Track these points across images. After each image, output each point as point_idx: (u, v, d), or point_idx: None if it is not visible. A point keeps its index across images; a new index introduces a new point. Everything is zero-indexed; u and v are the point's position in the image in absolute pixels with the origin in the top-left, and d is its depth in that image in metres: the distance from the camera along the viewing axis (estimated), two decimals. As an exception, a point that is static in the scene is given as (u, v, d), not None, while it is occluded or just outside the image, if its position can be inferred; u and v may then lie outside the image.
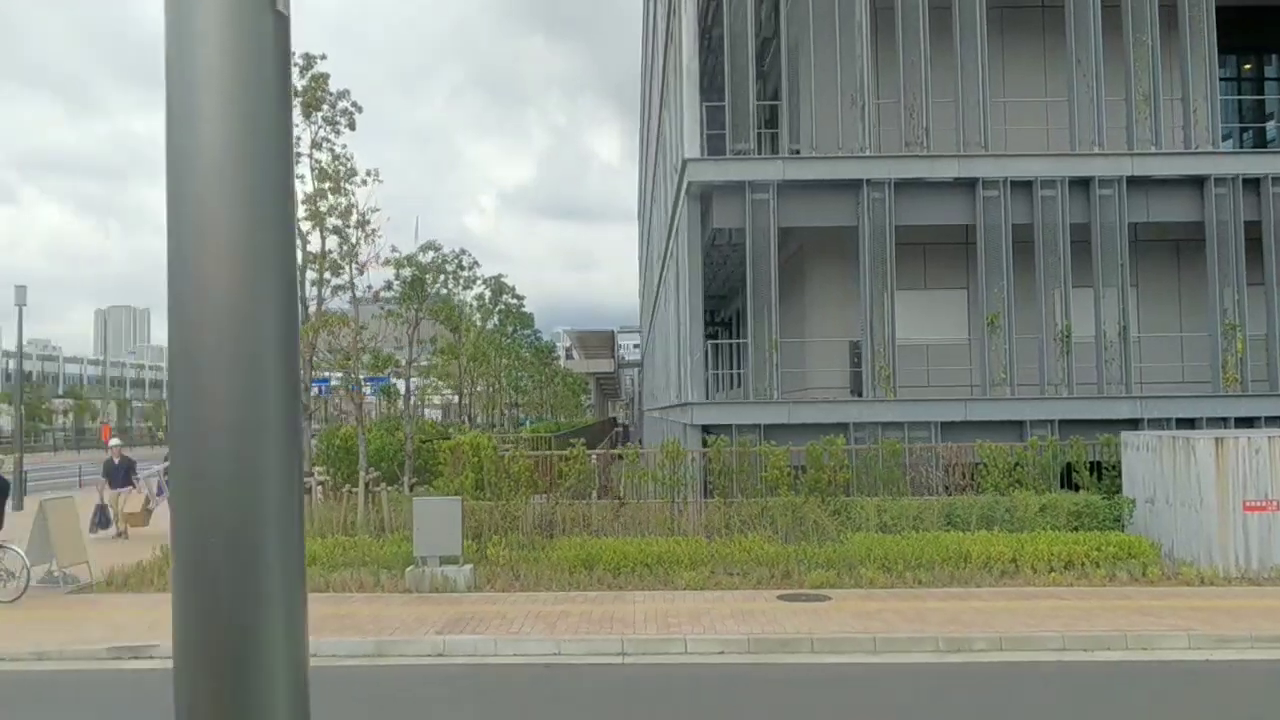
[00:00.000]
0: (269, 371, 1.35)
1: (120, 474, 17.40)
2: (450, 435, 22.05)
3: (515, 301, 33.90)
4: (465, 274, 27.39)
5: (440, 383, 29.87)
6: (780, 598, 10.93)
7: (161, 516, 17.23)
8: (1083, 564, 11.86)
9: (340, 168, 14.78)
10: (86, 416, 78.88)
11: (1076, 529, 13.23)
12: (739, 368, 24.30)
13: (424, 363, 17.13)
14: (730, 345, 27.13)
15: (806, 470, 14.85)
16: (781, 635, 9.21)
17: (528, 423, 37.26)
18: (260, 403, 1.35)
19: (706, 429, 17.51)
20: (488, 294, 30.81)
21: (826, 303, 19.46)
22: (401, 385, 19.22)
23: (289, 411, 1.41)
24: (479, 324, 29.85)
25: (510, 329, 34.00)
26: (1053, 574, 11.60)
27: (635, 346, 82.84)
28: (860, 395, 17.93)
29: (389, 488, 14.79)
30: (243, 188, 1.35)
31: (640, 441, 60.36)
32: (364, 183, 15.32)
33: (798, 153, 18.04)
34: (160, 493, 18.43)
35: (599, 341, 79.86)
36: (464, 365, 22.81)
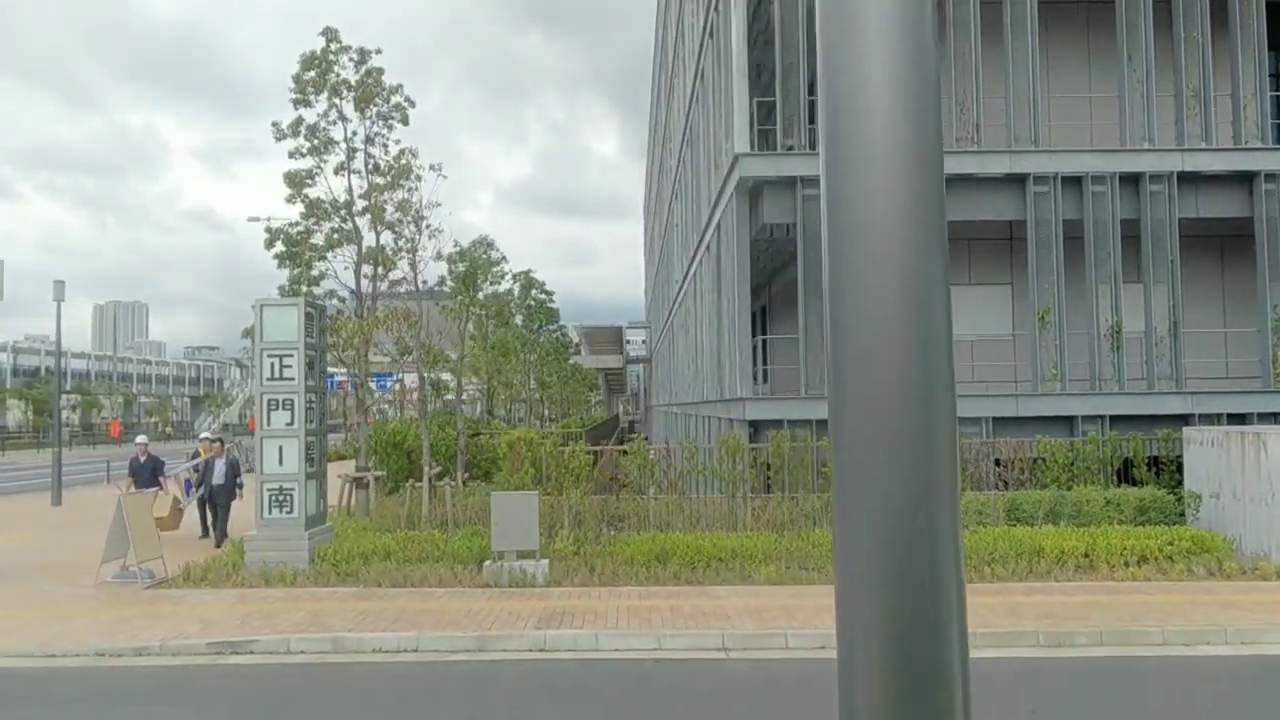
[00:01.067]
0: (937, 358, 1.34)
1: (146, 473, 16.06)
2: (480, 432, 22.05)
3: (543, 296, 33.89)
4: (494, 269, 27.38)
5: (473, 378, 29.81)
6: (864, 592, 10.93)
7: (192, 521, 16.05)
8: (1156, 559, 11.89)
9: (405, 162, 14.73)
10: (94, 412, 78.72)
11: (1142, 524, 13.27)
12: (766, 364, 24.30)
13: (456, 358, 16.98)
14: (759, 342, 27.03)
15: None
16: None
17: (554, 419, 37.26)
18: (931, 381, 1.34)
19: (754, 424, 17.54)
20: (516, 289, 30.78)
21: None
22: (441, 380, 19.15)
23: (951, 389, 1.40)
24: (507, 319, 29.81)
25: (537, 324, 34.00)
26: (1129, 569, 11.63)
27: (641, 342, 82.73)
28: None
29: (451, 483, 14.77)
30: (904, 185, 1.34)
31: (647, 438, 60.52)
32: (418, 178, 15.26)
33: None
34: (188, 493, 16.86)
35: (606, 337, 79.74)
36: (494, 360, 22.74)
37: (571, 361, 40.11)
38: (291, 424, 12.44)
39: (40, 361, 77.27)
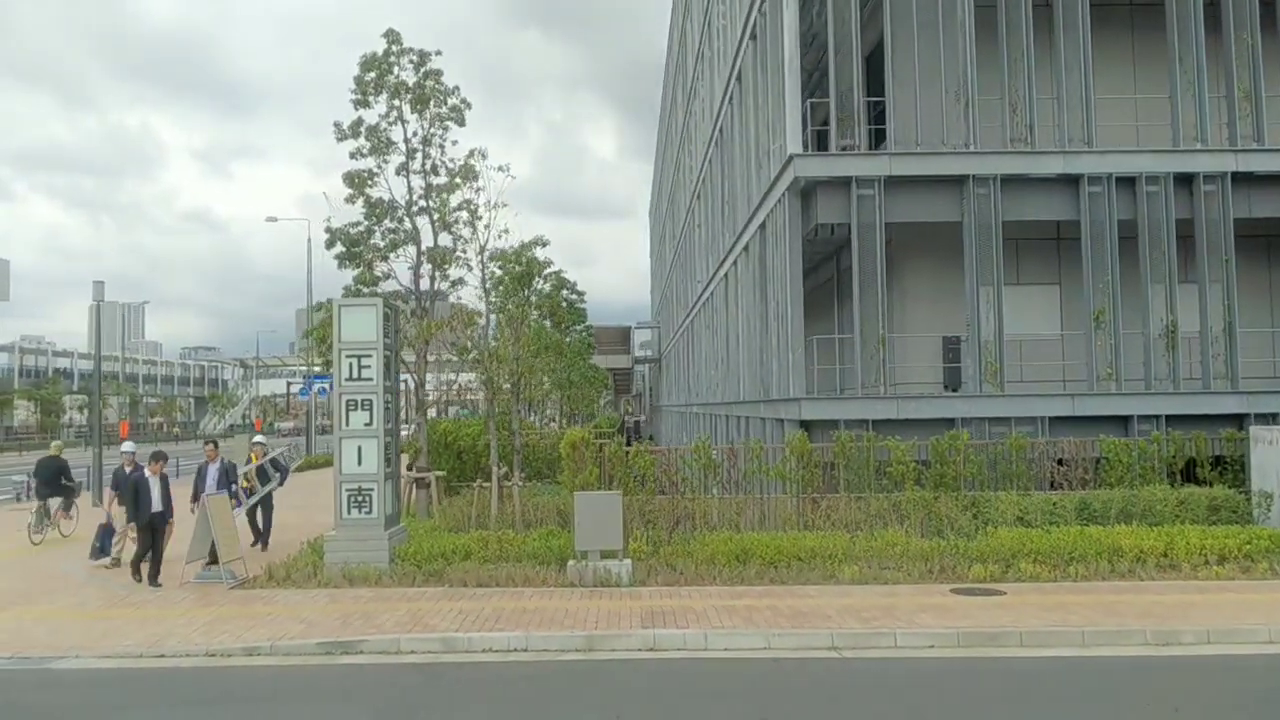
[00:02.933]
0: None
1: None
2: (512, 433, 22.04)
3: (574, 296, 33.88)
4: (546, 269, 27.35)
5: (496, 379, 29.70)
6: (954, 591, 10.97)
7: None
8: (1236, 558, 11.93)
9: (472, 164, 14.75)
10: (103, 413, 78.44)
11: (1214, 523, 13.31)
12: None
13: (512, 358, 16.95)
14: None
15: (930, 465, 14.91)
16: (988, 629, 9.24)
17: (579, 420, 37.22)
18: None
19: (804, 424, 17.57)
20: (547, 288, 30.78)
21: (917, 298, 19.47)
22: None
23: None
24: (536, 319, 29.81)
25: (565, 325, 33.99)
26: (1211, 568, 11.67)
27: (643, 344, 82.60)
28: (955, 390, 17.99)
29: (519, 483, 14.76)
30: None
31: (651, 438, 60.43)
32: (475, 178, 15.27)
33: (860, 146, 17.98)
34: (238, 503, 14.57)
35: (614, 338, 79.73)
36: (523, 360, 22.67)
37: (591, 361, 40.09)
38: (370, 424, 12.42)
39: (47, 362, 77.12)
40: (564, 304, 32.64)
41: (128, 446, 14.36)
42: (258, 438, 18.08)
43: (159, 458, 12.74)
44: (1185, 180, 17.39)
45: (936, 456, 14.89)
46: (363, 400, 12.44)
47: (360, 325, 12.50)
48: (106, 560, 13.64)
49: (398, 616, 9.99)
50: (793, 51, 18.19)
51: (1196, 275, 17.30)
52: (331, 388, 45.55)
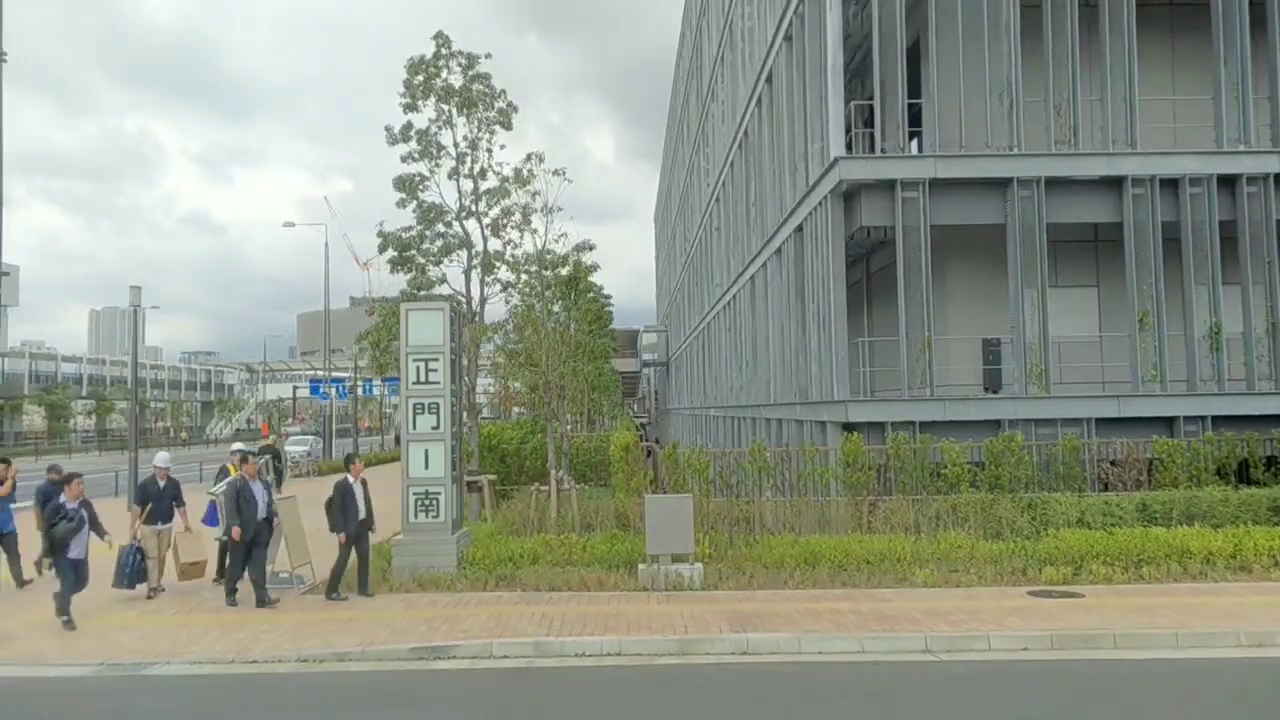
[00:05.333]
0: None
1: (167, 502, 12.12)
2: (532, 437, 22.02)
3: (601, 300, 33.82)
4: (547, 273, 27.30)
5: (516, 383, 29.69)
6: (1031, 594, 10.97)
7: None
8: (1307, 558, 11.94)
9: (529, 169, 14.76)
10: (108, 417, 78.31)
11: (1276, 524, 13.31)
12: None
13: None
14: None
15: (984, 467, 14.92)
16: (1080, 631, 9.24)
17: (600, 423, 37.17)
18: None
19: (848, 427, 17.58)
20: (590, 294, 30.74)
21: (955, 300, 19.49)
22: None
23: None
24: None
25: (602, 330, 33.94)
26: (1283, 569, 11.68)
27: (649, 346, 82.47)
28: (995, 392, 18.00)
29: (580, 486, 14.74)
30: None
31: (658, 441, 60.29)
32: (530, 182, 15.28)
33: (904, 148, 18.02)
34: (212, 519, 12.70)
35: (620, 341, 79.70)
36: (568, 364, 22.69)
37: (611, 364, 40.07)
38: (437, 428, 12.40)
39: (55, 367, 76.89)
40: (606, 310, 32.56)
41: (163, 458, 12.78)
42: (236, 445, 15.49)
43: (251, 456, 11.89)
44: (1228, 182, 17.43)
45: (991, 458, 14.91)
46: (429, 404, 12.42)
47: (427, 329, 12.49)
48: (143, 589, 11.67)
49: (482, 621, 9.96)
50: (835, 53, 18.20)
51: (1240, 276, 17.33)
52: (338, 391, 45.34)
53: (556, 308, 17.21)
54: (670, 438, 59.47)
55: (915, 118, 18.88)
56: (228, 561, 11.59)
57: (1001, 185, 17.37)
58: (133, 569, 11.38)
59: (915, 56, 19.31)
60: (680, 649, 9.06)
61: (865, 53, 20.37)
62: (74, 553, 10.21)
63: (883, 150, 17.67)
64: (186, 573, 12.03)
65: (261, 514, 11.12)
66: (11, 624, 10.08)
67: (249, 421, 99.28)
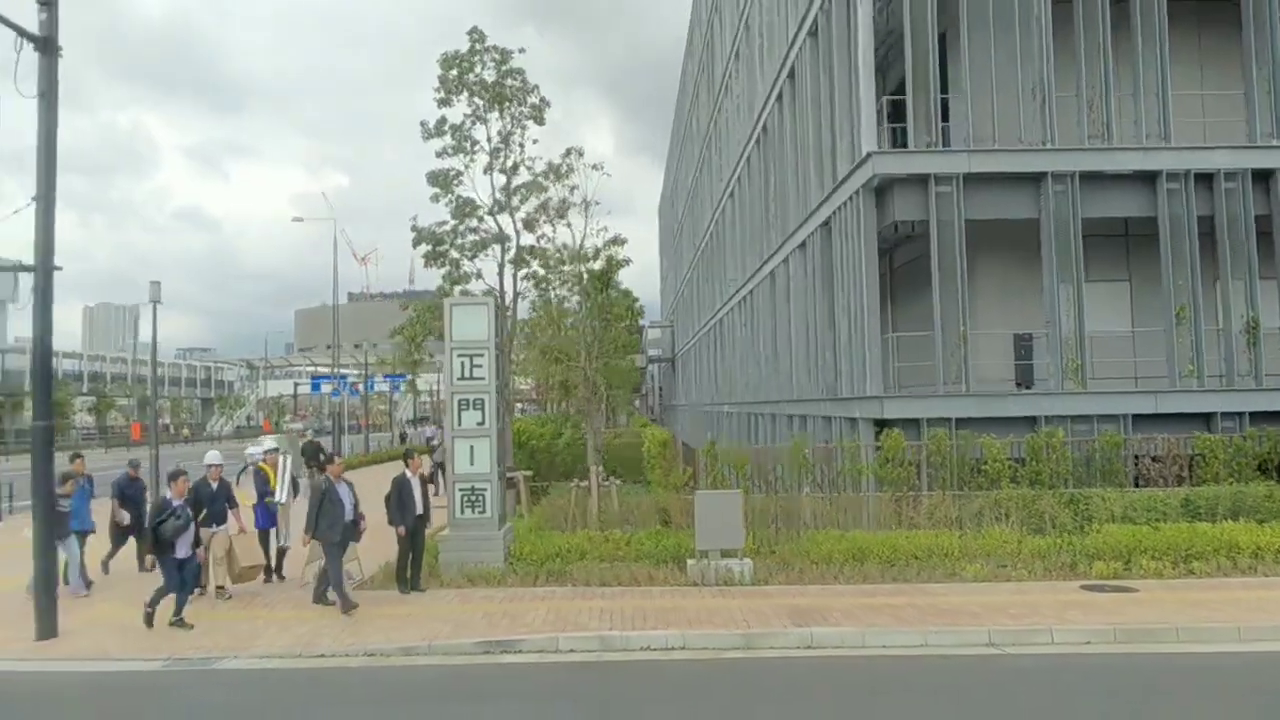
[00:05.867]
0: None
1: (221, 503, 11.54)
2: (563, 433, 21.99)
3: (632, 295, 33.76)
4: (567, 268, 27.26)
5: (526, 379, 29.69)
6: (1084, 588, 10.97)
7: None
8: (1357, 552, 11.93)
9: (569, 164, 14.73)
10: (109, 414, 78.12)
11: (1322, 519, 13.30)
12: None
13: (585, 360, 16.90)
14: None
15: (1025, 462, 14.91)
16: (1143, 625, 9.23)
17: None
18: None
19: (879, 423, 17.56)
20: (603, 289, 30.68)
21: (985, 295, 19.45)
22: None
23: None
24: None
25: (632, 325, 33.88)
26: (1336, 563, 11.67)
27: (653, 342, 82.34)
28: (1027, 388, 17.98)
29: (618, 482, 14.72)
30: None
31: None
32: (568, 176, 15.23)
33: (936, 143, 17.92)
34: (263, 520, 12.35)
35: (627, 337, 79.48)
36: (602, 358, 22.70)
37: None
38: (483, 424, 12.37)
39: (56, 364, 76.51)
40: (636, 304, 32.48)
41: (214, 456, 12.06)
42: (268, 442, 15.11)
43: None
44: (1263, 176, 17.41)
45: (1031, 454, 14.90)
46: (475, 400, 12.39)
47: (472, 324, 12.45)
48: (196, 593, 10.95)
49: (541, 616, 9.94)
50: (866, 49, 18.14)
51: (1275, 271, 17.31)
52: (343, 389, 45.25)
53: (576, 301, 17.14)
54: (677, 434, 59.44)
55: (943, 112, 18.85)
56: (307, 560, 11.67)
57: (1035, 180, 17.35)
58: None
59: (944, 51, 19.27)
60: (745, 643, 9.04)
61: (889, 47, 20.33)
62: (181, 552, 9.92)
63: (927, 144, 17.60)
64: (243, 576, 11.63)
65: (349, 515, 10.79)
66: (70, 621, 10.04)
67: (249, 419, 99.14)
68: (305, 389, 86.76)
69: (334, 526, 10.53)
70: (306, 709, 7.60)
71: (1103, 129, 17.42)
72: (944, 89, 18.45)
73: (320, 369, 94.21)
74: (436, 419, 71.90)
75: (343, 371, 77.55)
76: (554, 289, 15.92)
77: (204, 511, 11.07)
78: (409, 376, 64.23)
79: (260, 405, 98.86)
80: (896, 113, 19.18)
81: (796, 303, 24.33)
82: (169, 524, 9.69)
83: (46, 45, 9.70)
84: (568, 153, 15.47)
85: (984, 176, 17.25)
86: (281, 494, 12.43)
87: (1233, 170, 17.28)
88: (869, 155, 17.43)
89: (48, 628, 9.57)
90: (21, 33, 9.47)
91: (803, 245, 23.66)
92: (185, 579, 9.97)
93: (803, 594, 10.90)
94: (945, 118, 18.84)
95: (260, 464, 12.70)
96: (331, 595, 10.65)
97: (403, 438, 58.29)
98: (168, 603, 9.94)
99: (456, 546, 12.18)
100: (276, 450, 12.14)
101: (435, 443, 18.49)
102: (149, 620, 9.86)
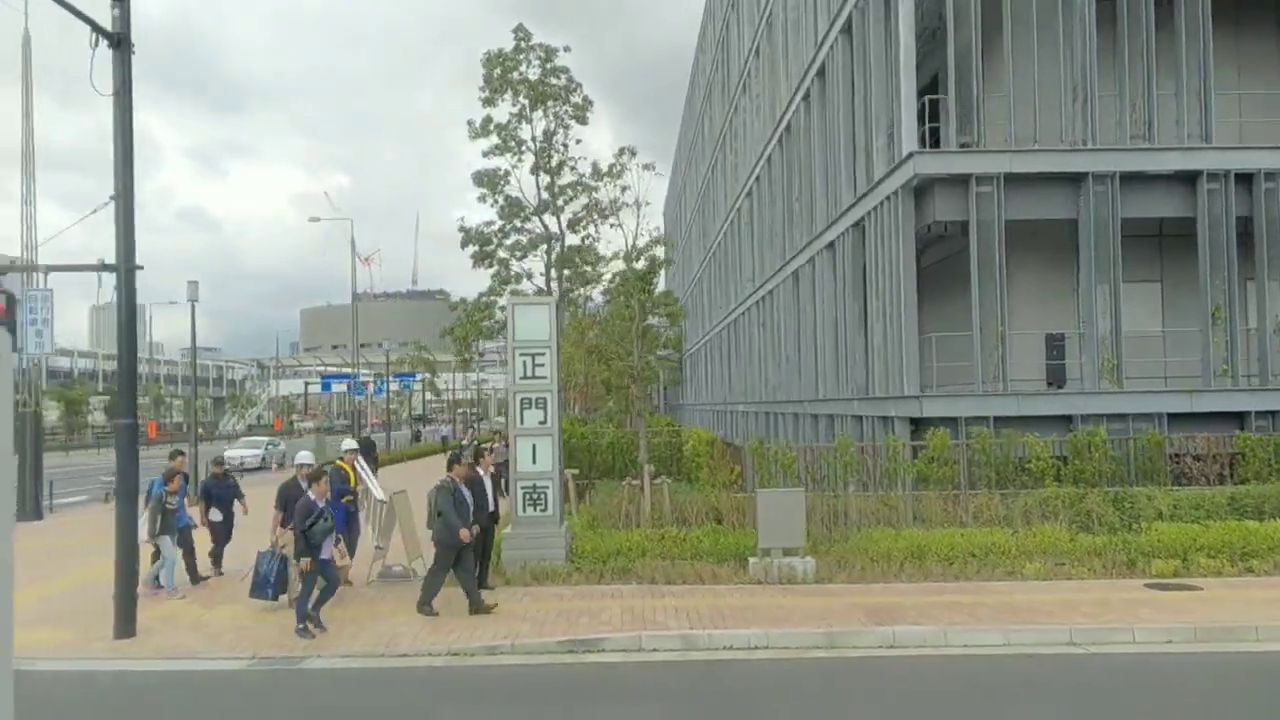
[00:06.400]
0: None
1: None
2: (603, 432, 22.04)
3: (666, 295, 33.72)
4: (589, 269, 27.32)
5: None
6: (1148, 586, 11.05)
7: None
8: None
9: (621, 164, 14.79)
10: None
11: (1369, 517, 13.40)
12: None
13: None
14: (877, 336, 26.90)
15: (1067, 461, 15.00)
16: (1219, 624, 9.31)
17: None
18: None
19: (915, 421, 17.66)
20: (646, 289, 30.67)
21: (1018, 294, 19.50)
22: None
23: None
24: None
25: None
26: (1393, 561, 11.77)
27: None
28: (1060, 387, 18.06)
29: (670, 480, 14.79)
30: None
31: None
32: (619, 175, 15.30)
33: (977, 143, 17.97)
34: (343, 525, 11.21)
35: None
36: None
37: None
38: (545, 422, 12.44)
39: (72, 363, 76.87)
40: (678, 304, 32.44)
41: (305, 456, 11.77)
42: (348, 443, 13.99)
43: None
44: (1299, 176, 17.51)
45: (1074, 452, 14.99)
46: (537, 399, 12.46)
47: (534, 324, 12.52)
48: (284, 599, 10.55)
49: (617, 614, 10.01)
50: (908, 47, 18.20)
51: (1311, 271, 17.41)
52: (351, 386, 45.07)
53: (600, 301, 17.21)
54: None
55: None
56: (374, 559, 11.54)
57: (1074, 180, 17.43)
58: (277, 577, 10.40)
59: (982, 50, 19.33)
60: (828, 642, 9.11)
61: (922, 45, 20.37)
62: (325, 554, 9.73)
63: (961, 144, 17.67)
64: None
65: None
66: (143, 618, 10.08)
67: (259, 418, 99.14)
68: (315, 388, 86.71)
69: (453, 530, 10.19)
70: (434, 707, 7.64)
71: (1144, 129, 17.50)
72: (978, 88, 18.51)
73: (330, 368, 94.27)
74: (450, 417, 72.10)
75: (352, 371, 77.71)
76: (580, 289, 15.94)
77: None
78: (419, 376, 64.48)
79: (270, 404, 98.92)
80: (931, 112, 19.25)
81: (824, 303, 24.40)
82: (319, 526, 9.51)
83: (120, 42, 9.73)
84: (621, 152, 15.48)
85: (1023, 177, 17.33)
86: (377, 492, 12.44)
87: (1273, 170, 17.37)
88: (910, 155, 17.50)
89: (127, 627, 9.61)
90: (97, 29, 9.51)
91: (831, 245, 23.73)
92: (330, 579, 9.77)
93: (869, 592, 10.98)
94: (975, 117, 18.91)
95: (339, 462, 12.25)
96: (436, 606, 10.31)
97: (416, 436, 58.35)
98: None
99: (520, 544, 12.24)
100: (356, 450, 12.17)
101: (495, 444, 18.58)
102: (304, 633, 9.41)
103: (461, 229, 15.84)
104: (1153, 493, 14.13)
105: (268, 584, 10.40)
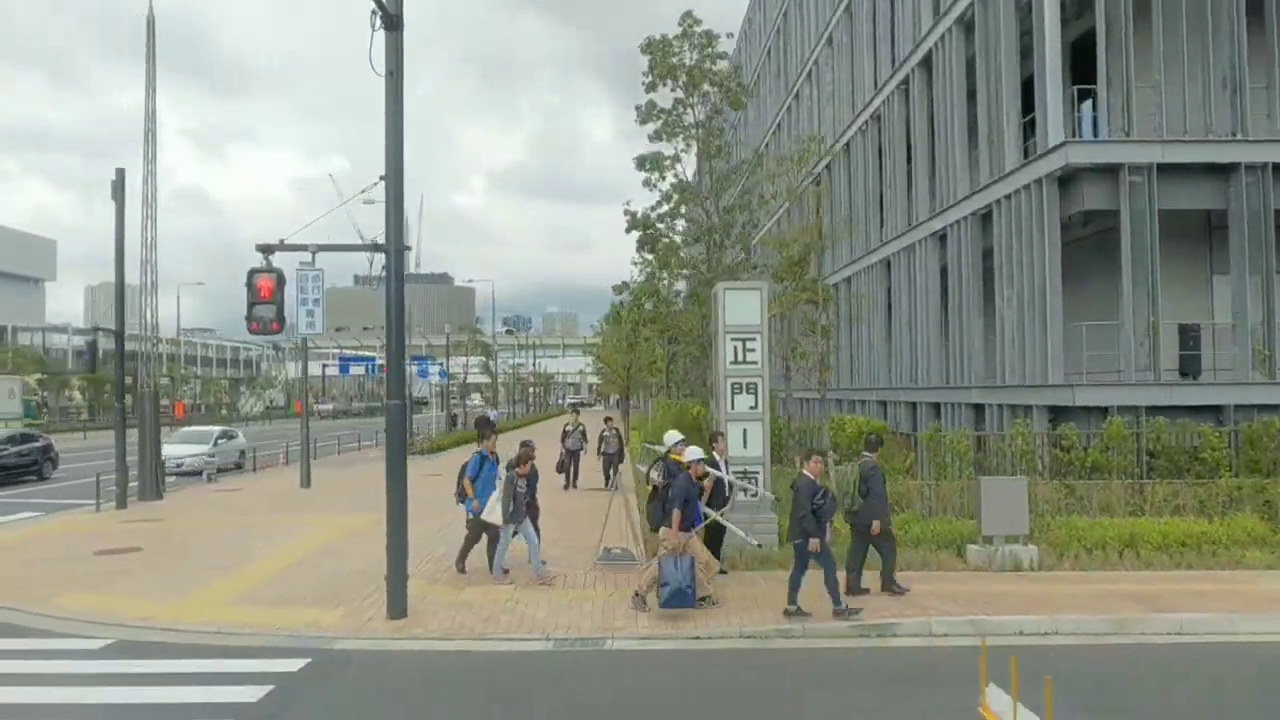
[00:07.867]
0: None
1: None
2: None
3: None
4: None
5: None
6: (1380, 575, 11.09)
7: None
8: None
9: (813, 147, 14.72)
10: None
11: None
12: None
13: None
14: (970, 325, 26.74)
15: (1239, 451, 15.03)
16: None
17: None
18: None
19: (1054, 410, 17.68)
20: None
21: (1143, 285, 19.45)
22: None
23: None
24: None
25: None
26: None
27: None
28: (1195, 378, 18.02)
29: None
30: None
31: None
32: (805, 161, 15.22)
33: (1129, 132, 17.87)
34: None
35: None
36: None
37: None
38: (755, 408, 12.41)
39: (95, 342, 76.14)
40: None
41: (694, 452, 10.56)
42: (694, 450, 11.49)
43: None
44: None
45: (1248, 442, 15.03)
46: (748, 384, 12.42)
47: (744, 309, 12.47)
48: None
49: (883, 599, 10.00)
50: (1054, 35, 18.13)
51: None
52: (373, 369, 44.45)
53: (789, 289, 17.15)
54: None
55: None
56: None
57: (1223, 171, 17.41)
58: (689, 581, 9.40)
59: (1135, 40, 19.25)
60: (1117, 629, 9.11)
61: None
62: (827, 535, 9.70)
63: (1124, 133, 17.55)
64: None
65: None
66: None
67: (272, 401, 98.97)
68: (333, 370, 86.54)
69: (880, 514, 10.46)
70: (788, 693, 7.61)
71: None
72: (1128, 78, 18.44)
73: (346, 350, 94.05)
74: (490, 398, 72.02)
75: (369, 354, 77.47)
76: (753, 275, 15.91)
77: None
78: (434, 360, 64.41)
79: (285, 386, 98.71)
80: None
81: (932, 292, 24.32)
82: (825, 506, 9.47)
83: (394, 22, 9.63)
84: (811, 138, 15.42)
85: (1172, 167, 17.29)
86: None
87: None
88: (1062, 144, 17.44)
89: (400, 607, 9.57)
90: (381, 7, 9.40)
91: (941, 235, 23.67)
92: (828, 559, 9.51)
93: (1105, 580, 10.97)
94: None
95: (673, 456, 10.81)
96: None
97: (453, 419, 58.18)
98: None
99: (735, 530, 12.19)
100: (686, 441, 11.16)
101: (606, 432, 18.51)
102: (843, 606, 9.40)
103: (626, 213, 15.77)
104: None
105: (685, 595, 9.33)
